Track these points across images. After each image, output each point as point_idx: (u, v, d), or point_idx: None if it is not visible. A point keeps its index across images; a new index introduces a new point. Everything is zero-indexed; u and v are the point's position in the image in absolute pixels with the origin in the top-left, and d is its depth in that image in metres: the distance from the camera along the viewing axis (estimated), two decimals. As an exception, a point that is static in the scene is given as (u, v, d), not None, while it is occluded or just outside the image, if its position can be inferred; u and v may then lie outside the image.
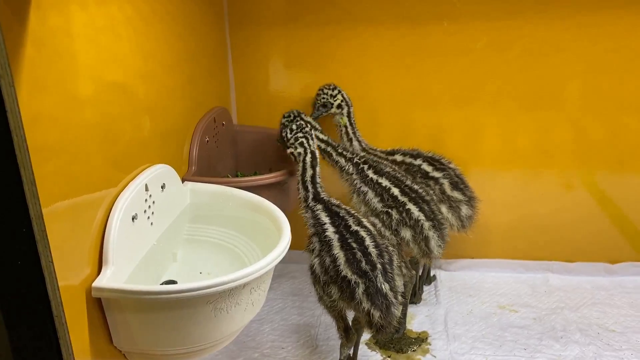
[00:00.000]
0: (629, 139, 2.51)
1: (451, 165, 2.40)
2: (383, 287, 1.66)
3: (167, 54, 1.85)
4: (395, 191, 2.13)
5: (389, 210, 2.11)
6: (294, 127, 2.14)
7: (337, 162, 2.29)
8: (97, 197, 1.37)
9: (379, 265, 1.69)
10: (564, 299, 2.52)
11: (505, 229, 2.73)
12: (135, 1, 1.57)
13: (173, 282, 1.64)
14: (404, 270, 2.22)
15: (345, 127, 2.44)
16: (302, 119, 2.32)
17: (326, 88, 2.45)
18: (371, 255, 1.72)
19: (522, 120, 2.54)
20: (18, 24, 1.04)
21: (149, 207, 1.59)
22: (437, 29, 2.43)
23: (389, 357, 2.17)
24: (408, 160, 2.41)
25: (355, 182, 2.22)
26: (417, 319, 2.39)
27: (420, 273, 2.53)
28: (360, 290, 1.65)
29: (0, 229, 0.97)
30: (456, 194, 2.33)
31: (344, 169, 2.26)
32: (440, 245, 2.11)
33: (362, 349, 2.17)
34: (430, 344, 2.22)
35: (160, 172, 1.68)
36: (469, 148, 2.62)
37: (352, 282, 1.66)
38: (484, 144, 2.61)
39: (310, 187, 2.04)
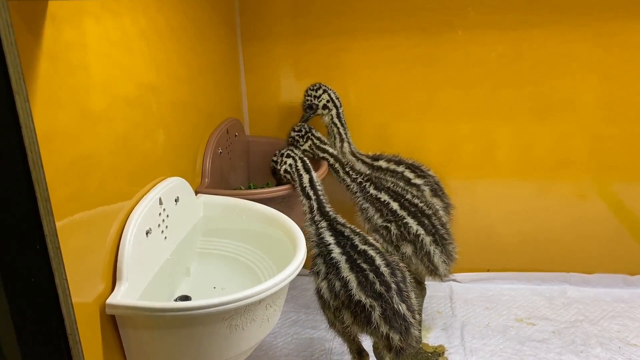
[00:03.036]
0: (645, 148, 2.47)
1: (430, 173, 2.40)
2: (400, 307, 1.56)
3: (181, 67, 1.84)
4: (395, 205, 2.11)
5: (388, 224, 2.08)
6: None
7: (343, 180, 2.27)
8: (111, 212, 1.35)
9: (393, 285, 1.59)
10: (582, 311, 2.47)
11: (521, 240, 2.68)
12: (149, 14, 1.57)
13: (187, 297, 1.61)
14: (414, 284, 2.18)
15: (337, 127, 2.39)
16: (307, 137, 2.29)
17: (310, 89, 2.40)
18: (384, 275, 1.61)
19: (536, 130, 2.50)
20: (33, 38, 1.03)
21: (163, 220, 1.57)
22: (451, 39, 2.41)
23: (405, 372, 2.13)
24: (392, 167, 2.39)
25: (358, 199, 2.21)
26: (433, 333, 2.34)
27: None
28: (376, 313, 1.55)
29: (14, 245, 0.96)
30: (435, 201, 2.33)
31: (350, 188, 2.25)
32: (445, 262, 2.06)
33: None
34: (447, 359, 2.18)
35: (174, 185, 1.67)
36: (482, 159, 2.58)
37: (367, 306, 1.56)
38: (498, 155, 2.57)
39: (312, 194, 1.93)
